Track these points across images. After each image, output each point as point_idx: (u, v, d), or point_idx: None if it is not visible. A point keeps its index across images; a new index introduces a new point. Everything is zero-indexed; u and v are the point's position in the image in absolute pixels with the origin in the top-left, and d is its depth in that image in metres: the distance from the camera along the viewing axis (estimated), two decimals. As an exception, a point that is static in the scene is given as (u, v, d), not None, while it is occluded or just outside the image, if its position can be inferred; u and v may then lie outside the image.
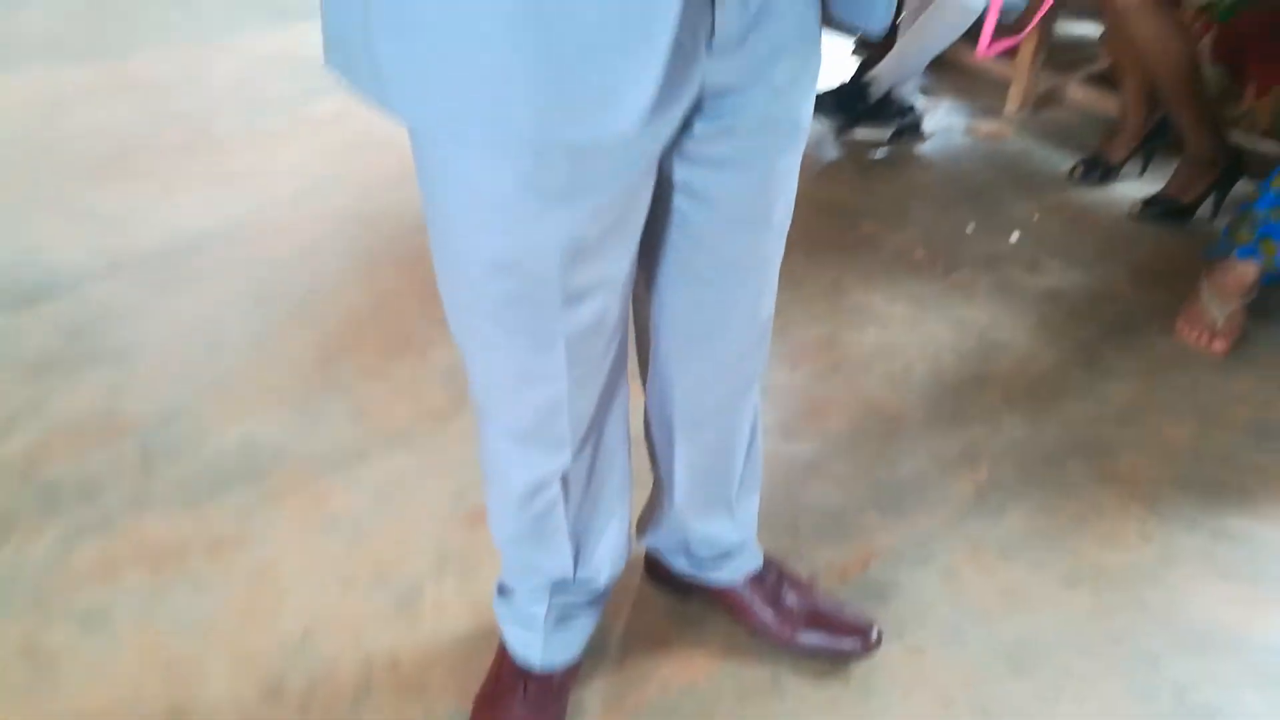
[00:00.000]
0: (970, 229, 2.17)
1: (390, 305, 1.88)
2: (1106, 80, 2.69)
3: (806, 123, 0.86)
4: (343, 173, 2.33)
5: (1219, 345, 1.81)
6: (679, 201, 0.85)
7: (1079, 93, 2.70)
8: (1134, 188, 2.34)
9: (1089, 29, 3.10)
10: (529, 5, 0.60)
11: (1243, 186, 2.21)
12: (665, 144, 0.77)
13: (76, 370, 1.69)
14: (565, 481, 0.99)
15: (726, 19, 0.70)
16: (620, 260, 0.83)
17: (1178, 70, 2.08)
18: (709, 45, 0.71)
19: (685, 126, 0.78)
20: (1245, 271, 1.79)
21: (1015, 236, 2.14)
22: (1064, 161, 2.45)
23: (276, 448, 1.55)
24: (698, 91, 0.74)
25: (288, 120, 2.57)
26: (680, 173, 0.83)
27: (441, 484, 1.49)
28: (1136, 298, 1.97)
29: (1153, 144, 2.37)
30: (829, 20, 0.80)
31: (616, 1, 0.61)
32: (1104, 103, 2.64)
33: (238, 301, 1.88)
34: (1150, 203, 2.21)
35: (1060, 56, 2.83)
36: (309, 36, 3.17)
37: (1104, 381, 1.74)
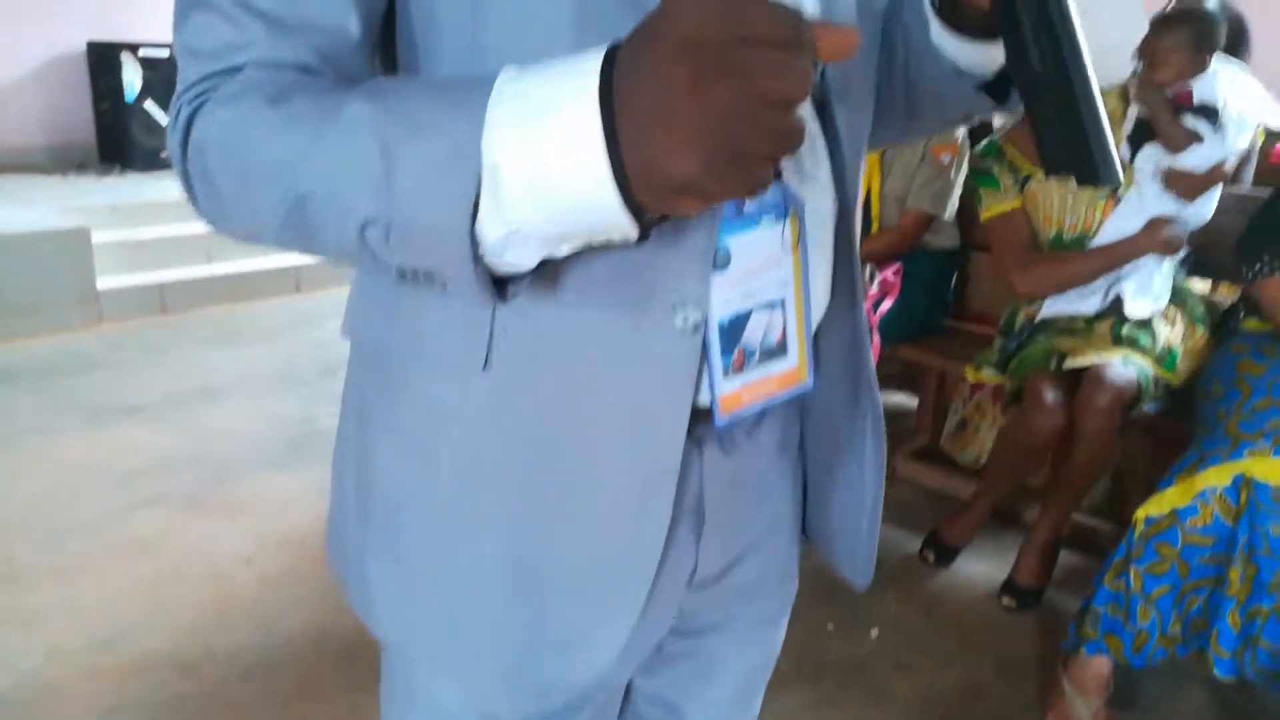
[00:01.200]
0: (830, 627, 2.14)
1: (207, 783, 1.63)
2: (928, 455, 2.87)
3: (778, 646, 0.85)
4: (157, 610, 2.10)
5: (1092, 747, 1.78)
6: (644, 709, 0.82)
7: (908, 468, 2.85)
8: (976, 564, 2.41)
9: (902, 400, 3.35)
10: (514, 554, 0.62)
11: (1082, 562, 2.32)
12: (635, 669, 0.74)
13: None
14: None
15: (709, 559, 0.70)
16: None
17: (1100, 469, 2.18)
18: (690, 581, 0.70)
19: (656, 646, 0.75)
20: (1099, 666, 1.80)
21: (875, 633, 2.12)
22: (908, 540, 2.51)
23: None
24: (673, 622, 0.72)
25: (97, 545, 2.35)
26: (644, 682, 0.80)
27: None
28: (1006, 692, 1.95)
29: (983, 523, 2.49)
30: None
31: (598, 554, 0.62)
32: (931, 476, 2.79)
33: (15, 797, 1.58)
34: (1016, 595, 2.24)
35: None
36: (129, 439, 3.01)
37: (995, 804, 1.66)
